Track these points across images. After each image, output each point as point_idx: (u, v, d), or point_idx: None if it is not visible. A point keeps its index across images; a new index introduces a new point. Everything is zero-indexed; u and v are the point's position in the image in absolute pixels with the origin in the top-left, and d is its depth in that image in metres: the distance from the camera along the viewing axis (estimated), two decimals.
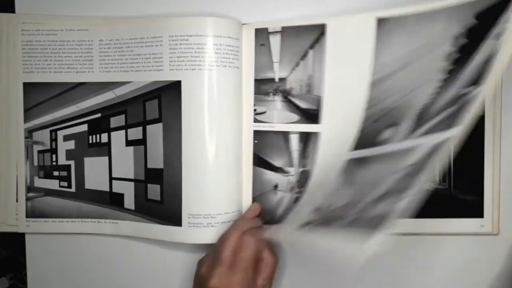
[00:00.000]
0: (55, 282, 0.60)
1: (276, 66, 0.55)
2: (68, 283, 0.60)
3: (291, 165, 0.56)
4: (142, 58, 0.54)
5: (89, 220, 0.58)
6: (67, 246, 0.59)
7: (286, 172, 0.56)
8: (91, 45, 0.56)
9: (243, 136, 0.56)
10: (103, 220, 0.57)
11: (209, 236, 0.53)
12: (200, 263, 0.50)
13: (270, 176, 0.56)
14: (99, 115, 0.57)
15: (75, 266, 0.59)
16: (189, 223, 0.54)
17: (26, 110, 0.57)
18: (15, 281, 0.64)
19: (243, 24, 0.55)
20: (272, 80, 0.55)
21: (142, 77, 0.54)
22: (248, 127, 0.56)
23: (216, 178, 0.53)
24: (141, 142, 0.55)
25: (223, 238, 0.50)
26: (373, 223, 0.41)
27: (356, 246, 0.40)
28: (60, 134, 0.58)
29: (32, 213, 0.58)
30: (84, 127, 0.57)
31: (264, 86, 0.56)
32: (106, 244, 0.59)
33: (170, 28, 0.53)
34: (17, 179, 0.57)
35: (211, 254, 0.50)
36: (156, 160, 0.55)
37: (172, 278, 0.59)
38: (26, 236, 0.59)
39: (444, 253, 0.57)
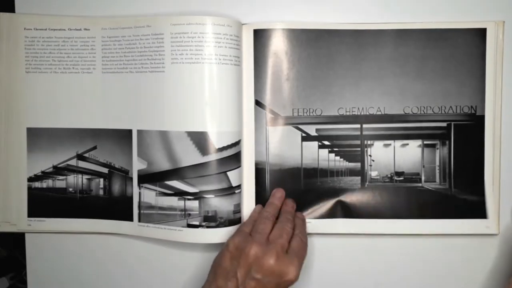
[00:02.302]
0: (55, 282, 0.60)
1: None
2: (68, 283, 0.60)
3: None
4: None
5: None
6: (67, 246, 0.59)
7: None
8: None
9: (244, 135, 0.56)
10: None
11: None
12: (229, 242, 0.50)
13: None
14: None
15: (75, 266, 0.59)
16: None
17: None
18: (15, 281, 0.64)
19: (243, 24, 0.55)
20: None
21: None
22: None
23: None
24: None
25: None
26: None
27: None
28: None
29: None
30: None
31: None
32: (106, 244, 0.59)
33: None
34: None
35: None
36: None
37: (174, 277, 0.59)
38: (26, 236, 0.59)
39: (444, 253, 0.57)
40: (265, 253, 0.46)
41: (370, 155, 0.56)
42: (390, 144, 0.56)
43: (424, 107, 0.55)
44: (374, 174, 0.57)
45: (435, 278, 0.58)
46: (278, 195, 0.55)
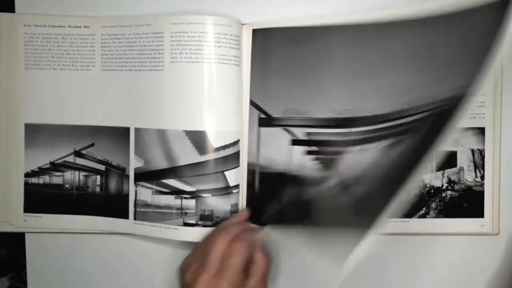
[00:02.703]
0: (55, 282, 0.60)
1: None
2: (68, 283, 0.60)
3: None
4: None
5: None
6: (67, 246, 0.59)
7: None
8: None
9: (243, 135, 0.56)
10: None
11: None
12: (184, 269, 0.48)
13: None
14: None
15: (75, 266, 0.59)
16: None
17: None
18: (15, 281, 0.64)
19: (243, 24, 0.55)
20: None
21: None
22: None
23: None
24: None
25: (210, 243, 0.48)
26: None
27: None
28: None
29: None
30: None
31: None
32: (106, 244, 0.59)
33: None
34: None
35: (194, 257, 0.49)
36: None
37: (170, 275, 0.58)
38: (26, 236, 0.59)
39: (444, 253, 0.57)
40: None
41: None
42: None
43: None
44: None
45: (434, 278, 0.57)
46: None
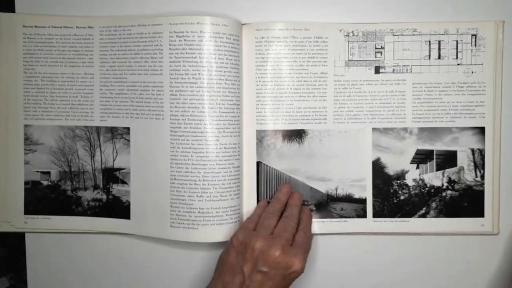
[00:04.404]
0: (55, 282, 0.60)
1: None
2: (68, 283, 0.60)
3: None
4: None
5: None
6: (67, 246, 0.59)
7: None
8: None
9: (245, 136, 0.56)
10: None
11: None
12: (234, 236, 0.50)
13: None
14: None
15: (75, 266, 0.59)
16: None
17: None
18: (15, 281, 0.64)
19: (243, 24, 0.55)
20: None
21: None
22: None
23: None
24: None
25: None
26: None
27: None
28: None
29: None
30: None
31: None
32: (106, 244, 0.59)
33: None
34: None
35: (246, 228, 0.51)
36: None
37: (175, 277, 0.59)
38: (26, 236, 0.59)
39: (444, 253, 0.57)
40: (271, 246, 0.47)
41: None
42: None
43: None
44: None
45: (434, 278, 0.57)
46: (284, 190, 0.55)
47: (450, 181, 0.56)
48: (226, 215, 0.54)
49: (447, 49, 0.55)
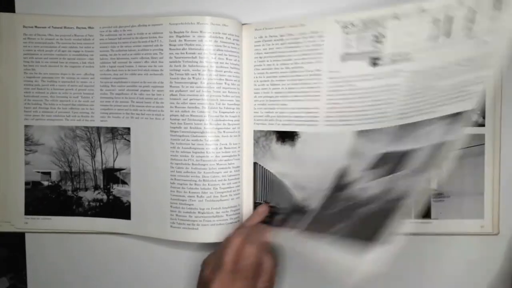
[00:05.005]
0: (55, 282, 0.60)
1: None
2: (68, 283, 0.60)
3: None
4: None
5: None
6: (67, 246, 0.59)
7: None
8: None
9: (244, 136, 0.56)
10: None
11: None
12: (204, 264, 0.50)
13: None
14: None
15: (75, 266, 0.59)
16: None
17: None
18: (15, 281, 0.64)
19: (243, 24, 0.55)
20: None
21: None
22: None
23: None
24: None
25: (226, 243, 0.49)
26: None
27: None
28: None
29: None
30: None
31: None
32: (106, 244, 0.59)
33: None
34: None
35: (215, 254, 0.50)
36: None
37: (175, 277, 0.59)
38: (26, 236, 0.59)
39: (444, 253, 0.57)
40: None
41: None
42: None
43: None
44: None
45: (434, 278, 0.57)
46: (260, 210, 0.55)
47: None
48: (226, 215, 0.54)
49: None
